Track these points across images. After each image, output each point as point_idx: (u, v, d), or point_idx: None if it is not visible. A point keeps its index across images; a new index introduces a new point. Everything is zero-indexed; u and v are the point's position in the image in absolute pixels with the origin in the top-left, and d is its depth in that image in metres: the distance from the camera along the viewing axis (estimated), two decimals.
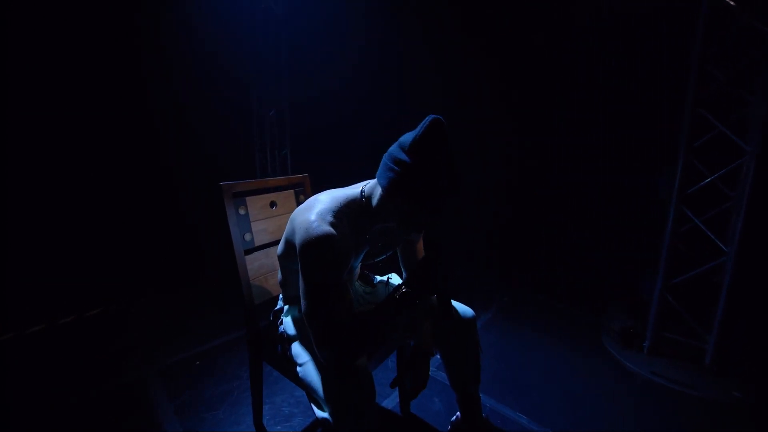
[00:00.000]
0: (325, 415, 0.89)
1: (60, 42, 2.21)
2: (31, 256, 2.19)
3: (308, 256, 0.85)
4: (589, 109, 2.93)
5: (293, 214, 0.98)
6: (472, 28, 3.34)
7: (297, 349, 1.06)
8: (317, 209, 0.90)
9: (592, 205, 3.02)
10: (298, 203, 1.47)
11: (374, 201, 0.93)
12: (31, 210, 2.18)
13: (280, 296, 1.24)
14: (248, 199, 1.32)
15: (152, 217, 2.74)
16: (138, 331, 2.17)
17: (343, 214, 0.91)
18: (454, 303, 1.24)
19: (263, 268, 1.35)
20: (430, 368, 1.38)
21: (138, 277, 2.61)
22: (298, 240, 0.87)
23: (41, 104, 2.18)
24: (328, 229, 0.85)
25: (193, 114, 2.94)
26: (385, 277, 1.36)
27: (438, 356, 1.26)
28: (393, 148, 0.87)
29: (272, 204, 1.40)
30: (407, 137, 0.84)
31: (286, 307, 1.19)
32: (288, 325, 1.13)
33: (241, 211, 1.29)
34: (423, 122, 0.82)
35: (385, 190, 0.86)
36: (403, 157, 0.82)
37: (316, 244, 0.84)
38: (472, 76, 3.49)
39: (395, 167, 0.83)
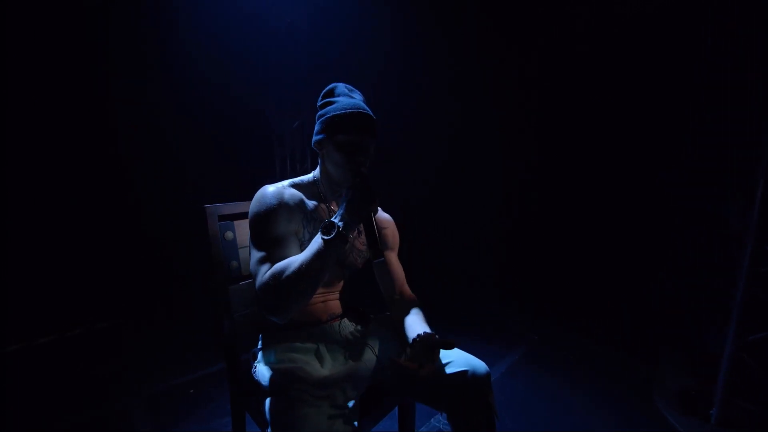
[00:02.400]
0: None
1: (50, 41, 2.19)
2: (13, 271, 2.14)
3: (253, 212, 0.93)
4: (635, 113, 2.55)
5: None
6: (503, 37, 3.12)
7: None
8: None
9: (644, 230, 2.61)
10: None
11: (318, 172, 1.04)
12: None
13: (260, 336, 1.09)
14: (237, 222, 1.18)
15: (149, 234, 2.63)
16: (128, 354, 2.09)
17: (296, 185, 1.01)
18: (464, 354, 0.98)
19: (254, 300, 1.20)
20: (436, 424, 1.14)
21: (131, 295, 2.52)
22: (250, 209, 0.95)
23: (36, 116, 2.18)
24: (278, 188, 0.96)
25: (206, 129, 2.88)
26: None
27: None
28: None
29: None
30: None
31: (262, 352, 1.02)
32: (262, 374, 0.96)
33: (228, 237, 1.16)
34: None
35: (315, 144, 0.98)
36: (317, 112, 0.99)
37: (262, 200, 0.93)
38: (503, 81, 3.23)
39: (315, 122, 0.99)
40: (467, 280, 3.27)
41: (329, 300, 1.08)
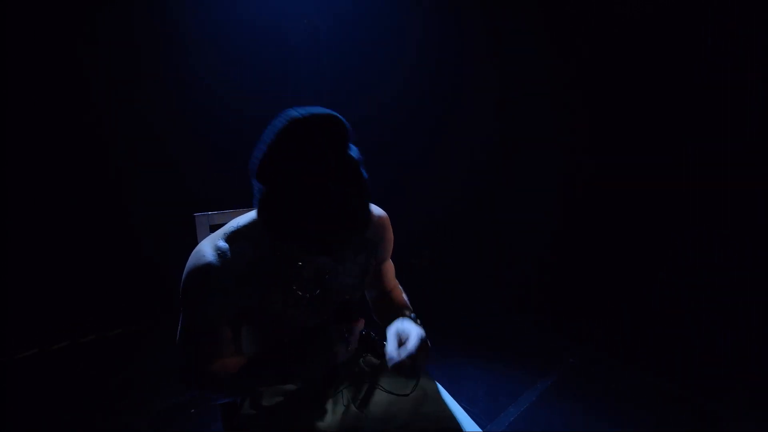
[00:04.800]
0: None
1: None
2: (31, 276, 2.13)
3: (182, 285, 0.71)
4: (635, 113, 2.51)
5: None
6: (501, 39, 3.09)
7: None
8: (215, 232, 0.76)
9: (704, 240, 2.19)
10: None
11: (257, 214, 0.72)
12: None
13: None
14: None
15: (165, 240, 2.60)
16: (141, 364, 2.06)
17: (240, 235, 0.74)
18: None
19: None
20: None
21: (140, 305, 2.48)
22: None
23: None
24: (208, 256, 0.70)
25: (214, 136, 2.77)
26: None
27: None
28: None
29: None
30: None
31: None
32: (247, 418, 0.83)
33: None
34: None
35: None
36: (257, 156, 0.67)
37: (188, 273, 0.70)
38: (502, 83, 3.20)
39: (251, 171, 0.67)
40: (493, 294, 2.91)
41: None
